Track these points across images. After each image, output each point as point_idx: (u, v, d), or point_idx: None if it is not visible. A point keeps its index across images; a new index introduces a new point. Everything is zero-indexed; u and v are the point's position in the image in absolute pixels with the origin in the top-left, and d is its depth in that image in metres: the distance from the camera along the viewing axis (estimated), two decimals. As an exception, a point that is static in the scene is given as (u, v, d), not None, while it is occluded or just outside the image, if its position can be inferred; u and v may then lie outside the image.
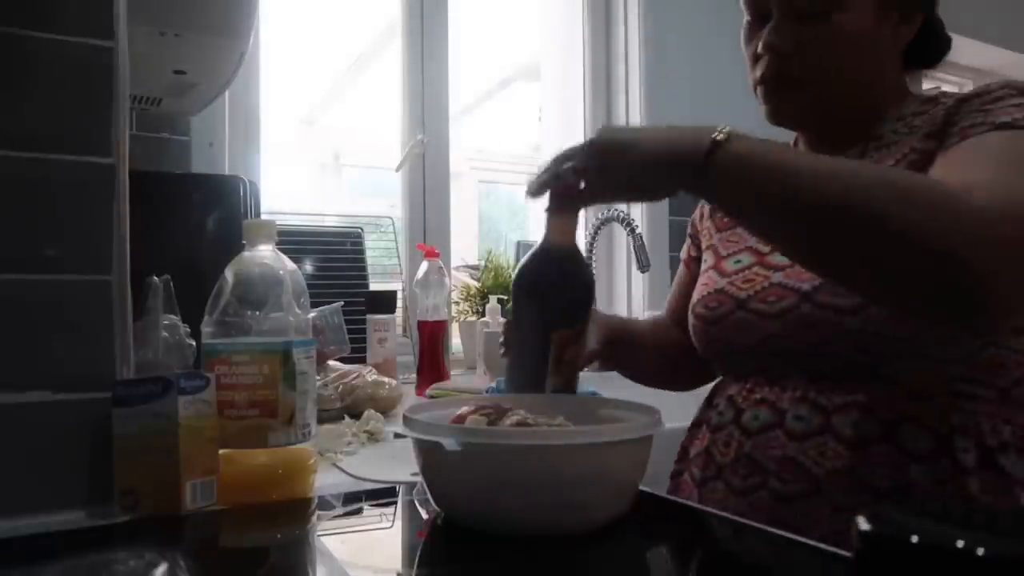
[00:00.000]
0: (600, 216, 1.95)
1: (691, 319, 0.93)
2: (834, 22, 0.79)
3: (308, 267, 1.56)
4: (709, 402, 0.93)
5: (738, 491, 0.80)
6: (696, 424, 0.92)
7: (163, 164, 1.40)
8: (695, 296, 0.94)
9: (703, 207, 1.06)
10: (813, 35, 0.80)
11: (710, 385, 0.96)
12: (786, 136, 0.94)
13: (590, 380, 1.61)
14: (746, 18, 0.87)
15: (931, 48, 0.89)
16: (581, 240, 2.01)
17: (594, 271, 0.89)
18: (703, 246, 1.01)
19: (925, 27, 0.86)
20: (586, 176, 0.73)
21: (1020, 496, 0.72)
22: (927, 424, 0.73)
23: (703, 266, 0.98)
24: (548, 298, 0.78)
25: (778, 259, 0.84)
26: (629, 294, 2.07)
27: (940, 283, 0.61)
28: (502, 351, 0.90)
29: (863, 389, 0.75)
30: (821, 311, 0.76)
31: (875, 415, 0.74)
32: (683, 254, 1.10)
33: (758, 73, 0.84)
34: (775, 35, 0.81)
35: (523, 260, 0.80)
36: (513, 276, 0.82)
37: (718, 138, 0.65)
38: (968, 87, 3.28)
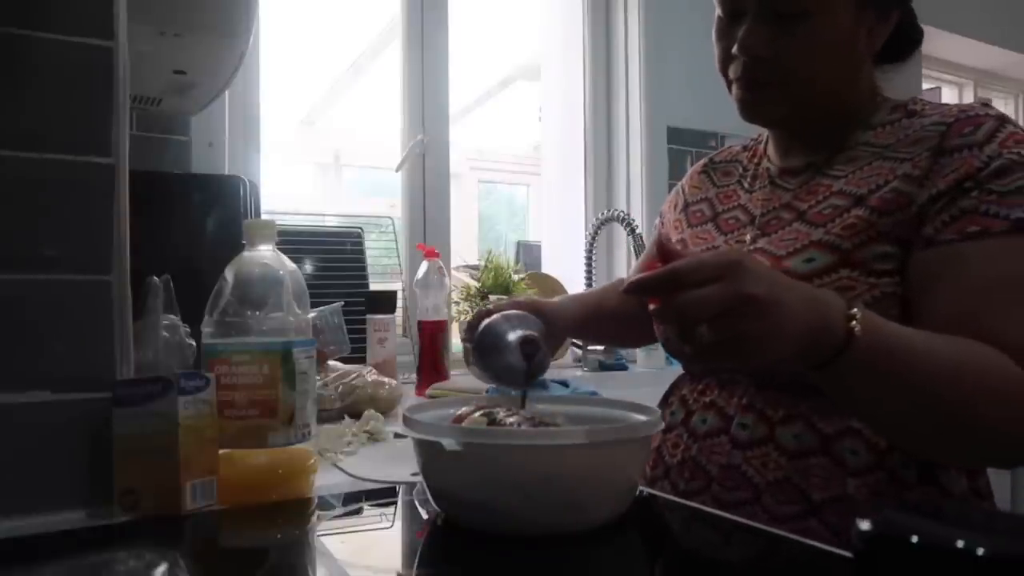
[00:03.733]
0: (600, 216, 1.95)
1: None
2: (811, 24, 0.77)
3: (308, 267, 1.56)
4: (665, 400, 0.94)
5: (682, 493, 0.81)
6: None
7: (163, 164, 1.40)
8: None
9: (676, 198, 1.05)
10: (789, 37, 0.78)
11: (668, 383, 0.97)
12: (759, 128, 0.94)
13: (590, 380, 1.61)
14: (718, 13, 0.84)
15: (903, 42, 0.87)
16: (579, 253, 2.02)
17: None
18: (674, 239, 1.00)
19: (898, 22, 0.83)
20: (727, 341, 0.57)
21: None
22: (867, 438, 0.74)
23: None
24: (499, 368, 0.82)
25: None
26: (629, 294, 2.07)
27: (1008, 455, 0.69)
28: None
29: (806, 401, 0.76)
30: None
31: (817, 428, 0.75)
32: (655, 234, 1.09)
33: (732, 74, 0.83)
34: (751, 37, 0.79)
35: (484, 326, 0.84)
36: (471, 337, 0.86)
37: (855, 330, 0.60)
38: (968, 87, 3.28)
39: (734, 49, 0.81)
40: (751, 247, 0.85)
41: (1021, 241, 0.69)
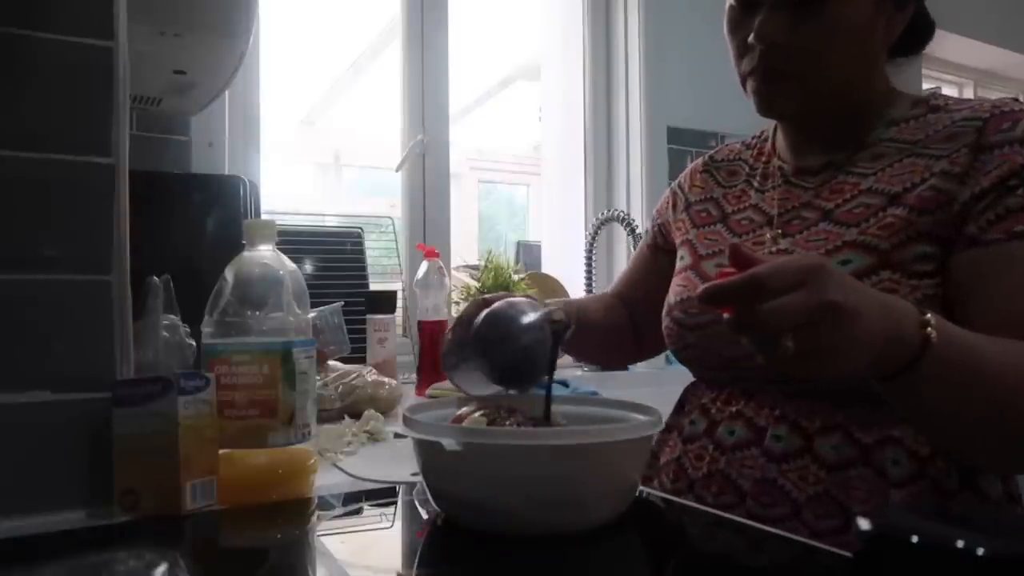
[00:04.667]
0: (600, 216, 1.95)
1: (666, 320, 0.90)
2: (830, 11, 0.75)
3: (308, 267, 1.56)
4: (680, 408, 0.91)
5: (711, 508, 0.78)
6: (666, 429, 0.90)
7: (163, 164, 1.40)
8: (672, 297, 0.91)
9: (674, 197, 1.02)
10: (807, 25, 0.76)
11: (680, 387, 0.95)
12: (759, 127, 0.93)
13: (590, 380, 1.61)
14: (730, 3, 0.82)
15: (916, 35, 0.85)
16: (579, 253, 2.02)
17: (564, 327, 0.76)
18: (678, 240, 0.98)
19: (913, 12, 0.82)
20: (812, 351, 0.54)
21: None
22: (908, 447, 0.72)
23: (679, 263, 0.95)
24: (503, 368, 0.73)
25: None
26: (629, 294, 2.07)
27: None
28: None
29: (843, 411, 0.74)
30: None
31: (855, 438, 0.73)
32: (647, 239, 1.07)
33: (748, 65, 0.81)
34: (768, 25, 0.77)
35: (488, 313, 0.74)
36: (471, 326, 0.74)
37: (931, 336, 0.59)
38: (968, 87, 3.28)
39: (750, 39, 0.78)
40: (772, 248, 0.83)
41: None
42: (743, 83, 0.83)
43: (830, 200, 0.80)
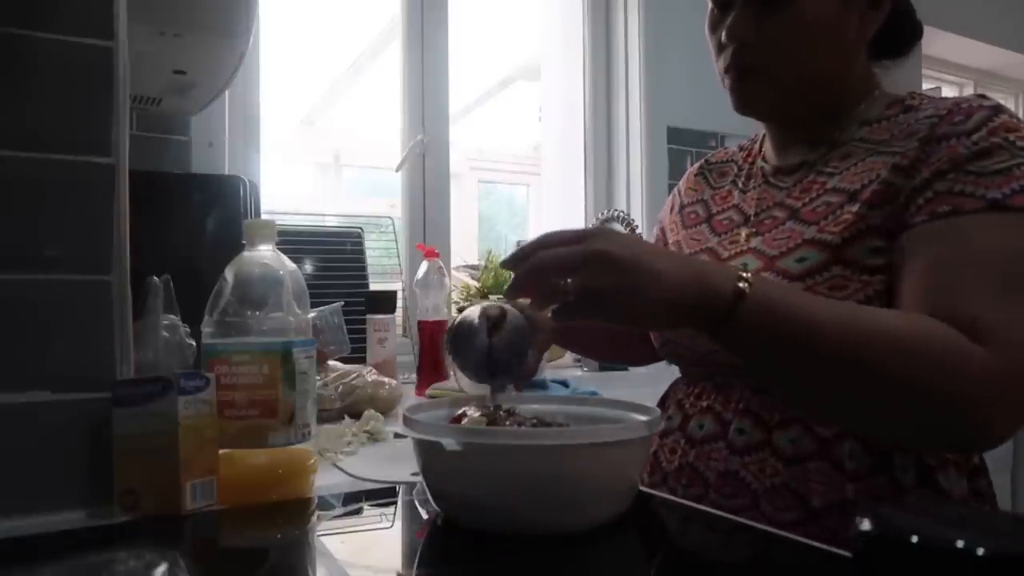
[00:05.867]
0: (600, 216, 1.95)
1: None
2: (796, 8, 0.77)
3: (308, 267, 1.56)
4: (662, 404, 0.93)
5: (681, 500, 0.79)
6: None
7: (163, 164, 1.40)
8: None
9: (673, 200, 1.04)
10: (775, 22, 0.78)
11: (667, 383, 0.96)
12: (758, 126, 0.93)
13: (590, 380, 1.61)
14: (710, 6, 0.85)
15: (901, 36, 0.85)
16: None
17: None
18: (670, 241, 1.00)
19: (895, 12, 0.81)
20: (583, 292, 0.61)
21: None
22: (865, 441, 0.73)
23: None
24: (481, 365, 0.74)
25: (735, 265, 0.82)
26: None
27: (949, 432, 0.64)
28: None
29: None
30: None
31: (814, 432, 0.74)
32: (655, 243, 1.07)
33: (723, 63, 0.83)
34: (737, 22, 0.79)
35: (461, 318, 0.75)
36: (449, 331, 0.76)
37: (743, 287, 0.62)
38: (968, 87, 3.28)
39: (723, 37, 0.81)
40: (745, 247, 0.84)
41: (994, 219, 0.67)
42: (722, 81, 0.85)
43: (799, 199, 0.81)
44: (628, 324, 0.68)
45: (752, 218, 0.86)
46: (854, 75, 0.83)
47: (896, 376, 0.62)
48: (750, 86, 0.82)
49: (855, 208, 0.74)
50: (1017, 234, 0.66)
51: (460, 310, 0.83)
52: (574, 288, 0.61)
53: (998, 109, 0.72)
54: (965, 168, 0.69)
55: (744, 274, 0.63)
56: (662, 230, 1.05)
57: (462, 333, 0.74)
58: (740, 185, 0.93)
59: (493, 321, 0.73)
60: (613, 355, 1.09)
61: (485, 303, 0.79)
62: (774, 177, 0.88)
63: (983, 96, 0.76)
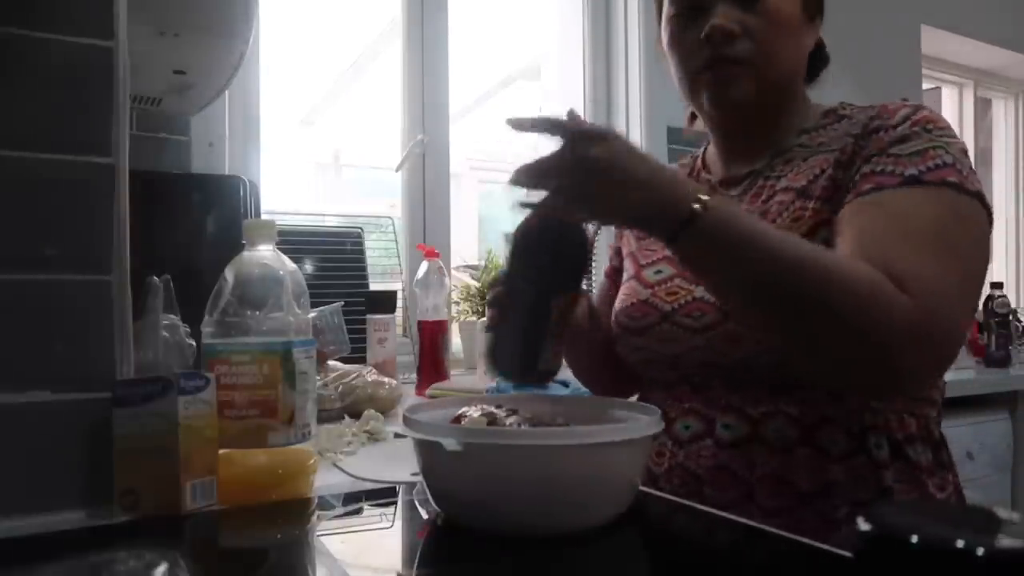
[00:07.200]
0: (600, 216, 1.95)
1: (615, 328, 0.94)
2: (770, 6, 0.82)
3: (308, 267, 1.56)
4: None
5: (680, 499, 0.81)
6: None
7: (163, 164, 1.40)
8: (618, 306, 0.94)
9: None
10: (754, 16, 0.82)
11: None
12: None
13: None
14: (670, 12, 0.87)
15: (815, 62, 0.92)
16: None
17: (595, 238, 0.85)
18: (624, 253, 1.01)
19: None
20: (567, 192, 0.69)
21: (927, 483, 0.78)
22: (843, 425, 0.77)
23: (624, 276, 0.99)
24: (549, 261, 0.75)
25: None
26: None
27: (869, 367, 0.70)
28: (487, 323, 0.84)
29: (784, 396, 0.78)
30: (744, 328, 0.78)
31: (797, 420, 0.78)
32: (606, 266, 1.09)
33: (699, 62, 0.84)
34: (723, 18, 0.82)
35: (520, 222, 0.76)
36: (510, 238, 0.77)
37: (697, 209, 0.67)
38: (968, 87, 3.28)
39: (704, 33, 0.83)
40: None
41: (910, 192, 0.73)
42: (691, 86, 0.87)
43: (752, 204, 0.85)
44: (603, 217, 0.75)
45: None
46: (800, 82, 0.89)
47: (832, 302, 0.67)
48: (731, 75, 0.84)
49: (807, 203, 0.79)
50: (933, 203, 0.73)
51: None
52: (563, 189, 0.69)
53: (920, 107, 0.80)
54: (887, 152, 0.76)
55: (704, 193, 0.68)
56: (616, 249, 1.06)
57: (530, 241, 0.75)
58: None
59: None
60: (589, 378, 1.08)
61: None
62: (722, 187, 0.91)
63: (907, 100, 0.83)
